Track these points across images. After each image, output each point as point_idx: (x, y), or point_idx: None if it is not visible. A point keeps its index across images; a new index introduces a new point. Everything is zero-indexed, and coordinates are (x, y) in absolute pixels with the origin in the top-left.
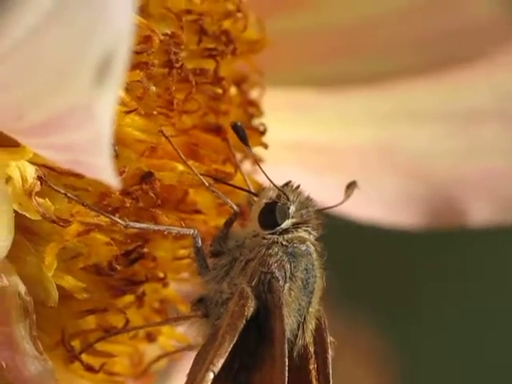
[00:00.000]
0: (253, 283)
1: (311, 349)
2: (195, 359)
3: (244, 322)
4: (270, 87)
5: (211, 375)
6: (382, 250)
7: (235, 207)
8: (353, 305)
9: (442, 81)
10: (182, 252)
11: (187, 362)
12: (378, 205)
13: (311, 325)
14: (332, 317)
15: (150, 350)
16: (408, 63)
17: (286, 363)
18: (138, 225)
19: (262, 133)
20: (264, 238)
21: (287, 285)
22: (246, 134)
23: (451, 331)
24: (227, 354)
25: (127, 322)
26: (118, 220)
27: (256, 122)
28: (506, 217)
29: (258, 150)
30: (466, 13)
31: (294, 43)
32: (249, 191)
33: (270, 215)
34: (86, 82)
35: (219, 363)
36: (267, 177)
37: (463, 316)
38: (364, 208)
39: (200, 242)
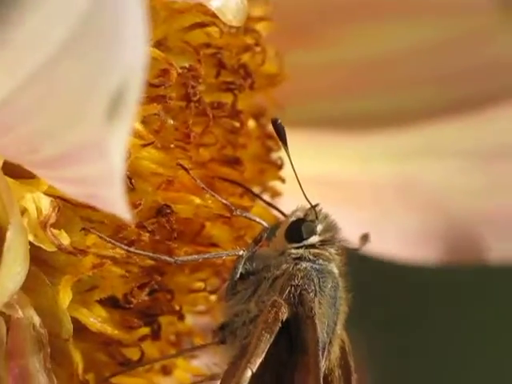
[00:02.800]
0: (283, 296)
1: (336, 373)
2: (224, 377)
3: (279, 325)
4: (288, 121)
5: (249, 373)
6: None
7: (265, 223)
8: None
9: (462, 117)
10: (199, 285)
11: None
12: (394, 239)
13: (336, 347)
14: None
15: (166, 383)
16: (428, 99)
17: (321, 371)
18: (186, 258)
19: (280, 167)
20: (290, 254)
21: (317, 298)
22: (285, 132)
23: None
24: (264, 354)
25: (142, 354)
26: (167, 258)
27: (274, 155)
28: None
29: (275, 184)
30: (487, 49)
31: (313, 78)
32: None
33: (297, 229)
34: (98, 118)
35: (257, 362)
36: (304, 194)
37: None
38: (380, 243)
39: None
